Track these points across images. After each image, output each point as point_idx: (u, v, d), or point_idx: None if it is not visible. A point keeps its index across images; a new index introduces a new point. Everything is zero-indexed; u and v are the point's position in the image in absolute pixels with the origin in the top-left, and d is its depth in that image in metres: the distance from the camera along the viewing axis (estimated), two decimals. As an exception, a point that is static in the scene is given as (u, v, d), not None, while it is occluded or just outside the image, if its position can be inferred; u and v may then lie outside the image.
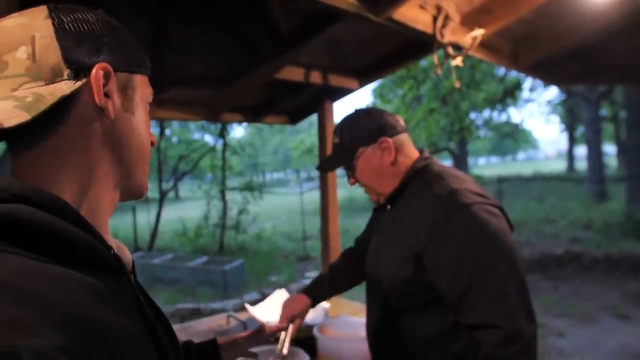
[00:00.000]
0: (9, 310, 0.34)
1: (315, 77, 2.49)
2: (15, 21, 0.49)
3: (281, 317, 1.50)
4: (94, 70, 0.50)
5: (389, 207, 1.29)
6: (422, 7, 1.87)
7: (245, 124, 13.88)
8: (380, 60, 2.59)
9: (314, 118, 2.93)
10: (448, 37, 1.93)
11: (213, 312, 4.93)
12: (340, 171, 1.35)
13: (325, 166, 1.35)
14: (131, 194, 0.61)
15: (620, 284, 6.04)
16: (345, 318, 1.83)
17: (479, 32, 1.99)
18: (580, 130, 22.55)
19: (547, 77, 3.09)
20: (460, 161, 15.99)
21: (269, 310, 2.01)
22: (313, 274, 7.50)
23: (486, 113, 17.25)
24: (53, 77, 0.48)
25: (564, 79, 3.17)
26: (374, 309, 1.29)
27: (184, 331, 1.99)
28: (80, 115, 0.51)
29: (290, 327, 1.42)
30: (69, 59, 0.49)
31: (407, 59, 2.50)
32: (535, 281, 6.19)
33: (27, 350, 0.32)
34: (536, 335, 1.00)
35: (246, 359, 1.10)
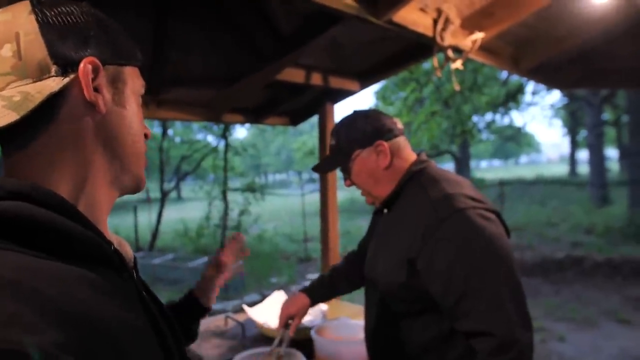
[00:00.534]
0: (8, 307, 0.34)
1: (316, 79, 2.49)
2: None
3: (280, 316, 1.50)
4: (81, 65, 0.49)
5: (385, 210, 1.28)
6: (422, 10, 1.88)
7: (247, 124, 13.90)
8: (381, 63, 2.59)
9: (316, 120, 2.94)
10: (448, 40, 1.93)
11: (213, 313, 4.90)
12: (340, 173, 1.35)
13: (322, 168, 1.35)
14: (129, 188, 0.60)
15: (621, 289, 6.02)
16: (345, 321, 1.83)
17: (479, 36, 1.99)
18: (582, 134, 22.51)
19: (548, 80, 3.09)
20: (463, 164, 15.98)
21: (267, 311, 2.02)
22: (314, 276, 7.44)
23: (488, 116, 17.21)
24: (40, 74, 0.47)
25: (564, 83, 3.17)
26: (372, 313, 1.29)
27: (182, 331, 1.99)
28: (70, 111, 0.50)
29: (289, 327, 1.43)
30: (55, 55, 0.48)
31: (408, 61, 2.50)
32: (536, 285, 6.17)
33: (29, 347, 0.32)
34: (532, 342, 0.99)
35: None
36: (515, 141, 30.96)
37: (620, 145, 16.95)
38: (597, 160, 13.37)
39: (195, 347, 1.83)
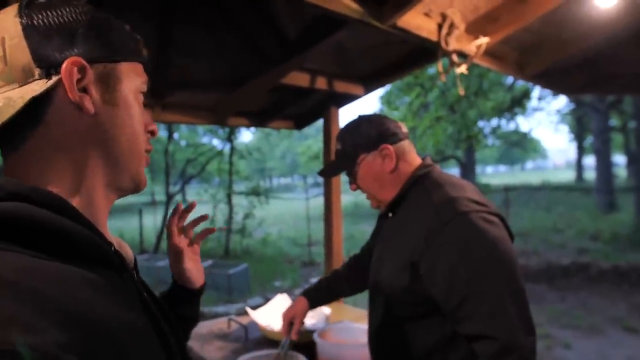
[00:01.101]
0: (7, 308, 0.34)
1: (321, 83, 2.50)
2: None
3: (282, 323, 1.51)
4: (64, 66, 0.48)
5: (390, 214, 1.29)
6: (427, 14, 1.88)
7: (253, 128, 13.93)
8: (385, 67, 2.60)
9: (321, 123, 2.95)
10: (453, 44, 1.93)
11: (216, 316, 4.92)
12: (344, 177, 1.35)
13: (327, 172, 1.36)
14: (127, 189, 0.58)
15: (628, 296, 5.96)
16: (347, 324, 1.83)
17: (483, 40, 1.99)
18: (589, 140, 22.36)
19: (553, 86, 3.08)
20: (468, 169, 15.92)
21: (270, 314, 2.02)
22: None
23: (494, 121, 17.15)
24: (25, 78, 0.47)
25: (570, 88, 3.16)
26: (375, 316, 1.29)
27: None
28: (58, 113, 0.49)
29: (291, 331, 1.44)
30: (39, 58, 0.47)
31: (413, 66, 2.51)
32: (541, 291, 6.12)
33: (27, 348, 0.32)
34: (535, 347, 0.98)
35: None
36: (521, 147, 30.81)
37: (628, 151, 16.82)
38: (604, 166, 13.29)
39: (198, 349, 1.84)
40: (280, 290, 6.70)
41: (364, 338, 1.38)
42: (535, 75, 2.70)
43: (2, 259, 0.39)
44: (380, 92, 13.65)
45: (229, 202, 10.85)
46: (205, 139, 16.66)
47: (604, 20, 2.25)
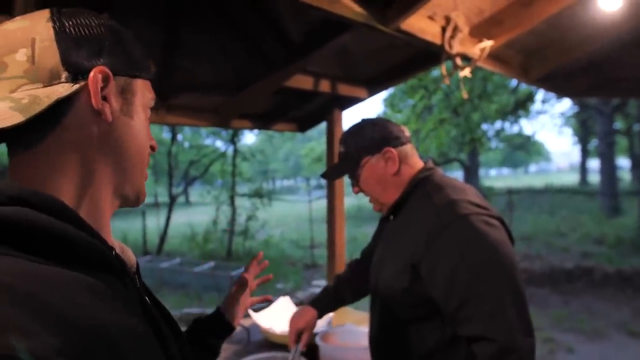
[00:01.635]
0: (4, 312, 0.34)
1: (325, 86, 2.51)
2: (17, 24, 0.50)
3: (289, 332, 1.51)
4: (91, 73, 0.50)
5: (391, 217, 1.29)
6: (431, 17, 1.88)
7: (256, 130, 13.96)
8: (389, 70, 2.60)
9: (324, 126, 2.95)
10: (456, 48, 1.93)
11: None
12: (347, 179, 1.36)
13: (330, 175, 1.36)
14: (129, 199, 0.60)
15: (631, 301, 5.93)
16: (350, 327, 1.83)
17: (487, 44, 1.99)
18: (593, 143, 22.26)
19: (558, 89, 3.07)
20: (471, 172, 15.89)
21: (272, 317, 2.02)
22: (320, 282, 7.47)
23: (498, 124, 17.12)
24: (51, 80, 0.48)
25: (574, 92, 3.15)
26: (376, 319, 1.29)
27: (187, 335, 1.99)
28: (77, 117, 0.51)
29: (300, 341, 1.44)
30: (68, 62, 0.49)
31: (416, 69, 2.51)
32: (545, 295, 6.10)
33: (25, 352, 0.32)
34: (534, 349, 0.98)
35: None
36: (524, 149, 30.77)
37: (632, 154, 16.74)
38: (608, 169, 13.23)
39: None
40: (283, 292, 6.70)
41: (366, 341, 1.38)
42: (540, 79, 2.70)
43: (0, 264, 0.39)
44: (383, 94, 13.68)
45: (232, 203, 10.87)
46: (208, 141, 16.67)
47: (609, 23, 2.25)
